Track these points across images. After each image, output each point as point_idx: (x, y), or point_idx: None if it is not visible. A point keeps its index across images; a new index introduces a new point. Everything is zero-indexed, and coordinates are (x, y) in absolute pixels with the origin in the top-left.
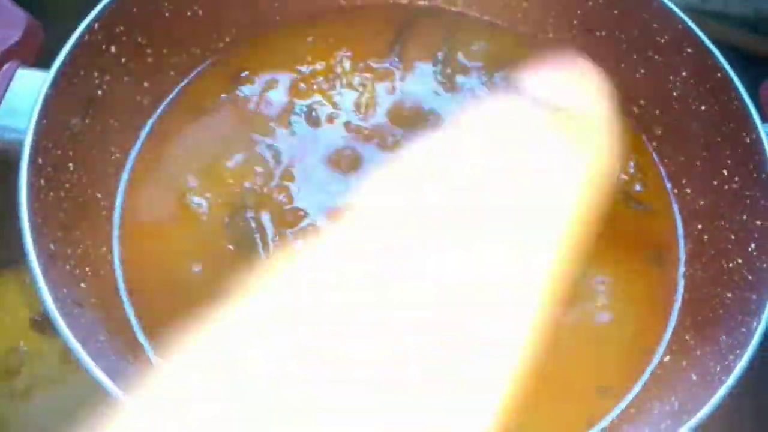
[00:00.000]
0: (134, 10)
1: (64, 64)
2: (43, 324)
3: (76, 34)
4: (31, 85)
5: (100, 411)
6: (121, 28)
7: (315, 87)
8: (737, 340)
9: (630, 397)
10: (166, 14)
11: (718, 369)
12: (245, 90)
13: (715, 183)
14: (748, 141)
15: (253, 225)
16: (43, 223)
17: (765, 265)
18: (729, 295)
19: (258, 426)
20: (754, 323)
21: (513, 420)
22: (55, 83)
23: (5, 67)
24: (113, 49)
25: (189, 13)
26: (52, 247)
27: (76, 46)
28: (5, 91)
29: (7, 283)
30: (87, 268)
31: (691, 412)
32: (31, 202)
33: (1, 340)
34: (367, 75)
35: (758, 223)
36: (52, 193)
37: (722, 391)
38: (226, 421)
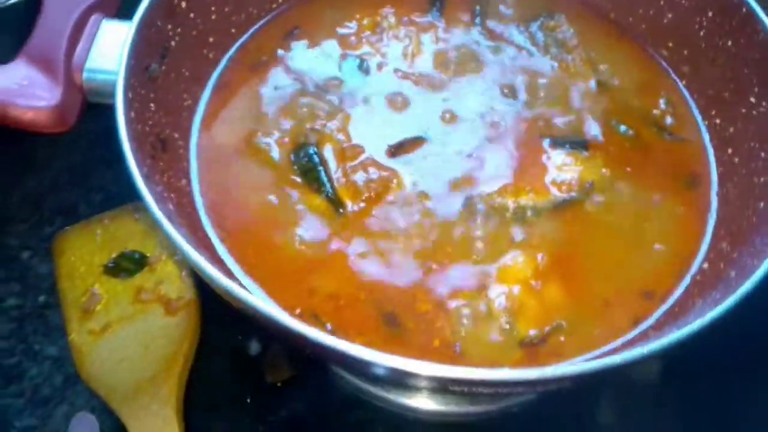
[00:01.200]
0: None
1: (144, 14)
2: (114, 269)
3: None
4: (116, 34)
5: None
6: None
7: (364, 40)
8: None
9: (673, 299)
10: None
11: (755, 262)
12: (299, 45)
13: (744, 111)
14: None
15: (317, 159)
16: (136, 148)
17: None
18: (761, 204)
19: None
20: None
21: (564, 318)
22: (138, 30)
23: (92, 18)
24: (183, 4)
25: None
26: (144, 170)
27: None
28: (94, 38)
29: (79, 236)
30: (172, 195)
31: (729, 295)
32: (127, 125)
33: (78, 285)
34: (412, 28)
35: None
36: (139, 126)
37: (762, 270)
38: None
